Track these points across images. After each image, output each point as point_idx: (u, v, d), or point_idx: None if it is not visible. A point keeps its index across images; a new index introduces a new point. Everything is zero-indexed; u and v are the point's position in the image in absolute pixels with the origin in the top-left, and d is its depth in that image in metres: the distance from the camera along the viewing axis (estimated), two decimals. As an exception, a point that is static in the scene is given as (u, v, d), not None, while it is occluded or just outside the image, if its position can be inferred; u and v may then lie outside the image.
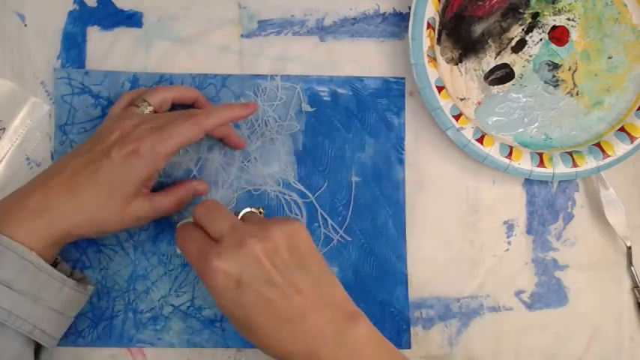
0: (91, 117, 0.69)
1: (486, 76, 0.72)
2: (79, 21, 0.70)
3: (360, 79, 0.71)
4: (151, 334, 0.68)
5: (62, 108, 0.69)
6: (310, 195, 0.70)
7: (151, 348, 0.68)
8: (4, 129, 0.69)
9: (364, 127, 0.71)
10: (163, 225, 0.69)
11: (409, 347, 0.69)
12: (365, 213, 0.70)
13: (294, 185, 0.70)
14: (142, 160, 0.58)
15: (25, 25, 0.70)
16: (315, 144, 0.71)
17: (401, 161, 0.71)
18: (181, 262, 0.69)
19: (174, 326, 0.68)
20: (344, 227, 0.70)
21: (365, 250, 0.70)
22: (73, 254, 0.68)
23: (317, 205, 0.70)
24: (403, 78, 0.72)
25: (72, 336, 0.67)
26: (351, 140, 0.71)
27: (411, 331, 0.69)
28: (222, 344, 0.68)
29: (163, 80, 0.70)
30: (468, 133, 0.68)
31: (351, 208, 0.70)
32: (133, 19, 0.71)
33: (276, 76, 0.71)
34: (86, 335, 0.68)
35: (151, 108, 0.64)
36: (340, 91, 0.71)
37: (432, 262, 0.70)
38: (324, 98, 0.71)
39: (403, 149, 0.71)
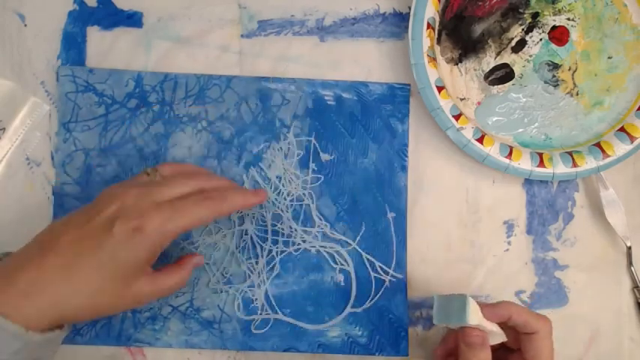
0: (94, 115, 0.70)
1: (486, 76, 0.71)
2: (79, 21, 0.70)
3: (365, 84, 0.71)
4: (149, 334, 0.68)
5: (66, 105, 0.70)
6: (351, 242, 0.70)
7: (152, 348, 0.68)
8: (4, 129, 0.69)
9: (368, 133, 0.71)
10: None
11: (407, 354, 0.69)
12: (366, 218, 0.70)
13: (331, 235, 0.70)
14: (147, 239, 0.55)
15: (25, 25, 0.70)
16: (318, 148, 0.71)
17: (404, 168, 0.71)
18: None
19: (172, 327, 0.68)
20: (357, 240, 0.70)
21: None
22: None
23: (360, 251, 0.70)
24: (408, 84, 0.71)
25: (70, 334, 0.67)
26: (355, 145, 0.71)
27: (411, 331, 0.70)
28: (220, 346, 0.68)
29: (168, 80, 0.70)
30: (468, 133, 0.68)
31: (352, 213, 0.70)
32: (133, 19, 0.71)
33: (288, 133, 0.71)
34: (84, 333, 0.68)
35: (159, 176, 0.62)
36: (345, 95, 0.71)
37: (432, 262, 0.70)
38: (329, 102, 0.71)
39: (406, 156, 0.71)
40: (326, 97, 0.71)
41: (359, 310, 0.69)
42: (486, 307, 0.59)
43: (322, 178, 0.70)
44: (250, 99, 0.71)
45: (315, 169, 0.70)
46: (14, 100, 0.69)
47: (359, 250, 0.70)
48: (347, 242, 0.70)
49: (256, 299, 0.69)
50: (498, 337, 0.61)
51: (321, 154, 0.70)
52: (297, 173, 0.70)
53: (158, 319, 0.68)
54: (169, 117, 0.70)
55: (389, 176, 0.71)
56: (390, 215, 0.70)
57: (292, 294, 0.69)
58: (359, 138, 0.71)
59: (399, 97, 0.71)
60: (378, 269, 0.69)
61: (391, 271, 0.69)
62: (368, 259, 0.69)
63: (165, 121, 0.70)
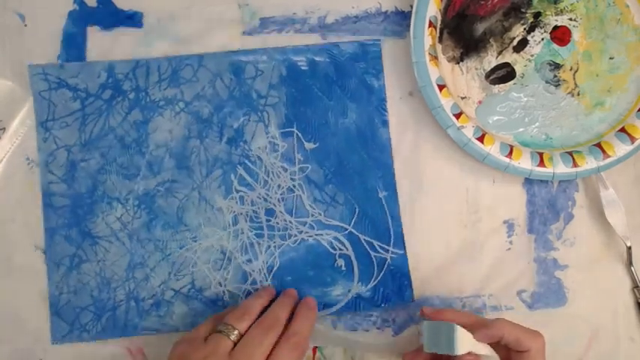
0: (71, 110, 0.70)
1: (487, 75, 0.71)
2: (79, 21, 0.70)
3: (335, 44, 0.71)
4: (155, 321, 0.69)
5: (41, 104, 0.70)
6: (346, 225, 0.70)
7: (152, 348, 0.69)
8: (4, 129, 0.69)
9: (345, 93, 0.71)
10: (156, 211, 0.69)
11: (412, 300, 0.70)
12: (355, 178, 0.70)
13: (325, 222, 0.70)
14: None
15: (25, 25, 0.70)
16: (297, 114, 0.71)
17: (385, 123, 0.71)
18: (178, 245, 0.69)
19: (177, 310, 0.69)
20: (352, 223, 0.70)
21: (359, 215, 0.70)
22: (68, 249, 0.69)
23: (356, 232, 0.70)
24: (379, 40, 0.71)
25: (76, 331, 0.68)
26: (333, 107, 0.71)
27: (414, 329, 0.70)
28: None
29: (139, 66, 0.70)
30: (469, 132, 0.68)
31: (340, 175, 0.71)
32: (133, 19, 0.70)
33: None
34: (90, 329, 0.68)
35: (236, 332, 0.61)
36: (317, 59, 0.71)
37: (433, 262, 0.71)
38: (302, 68, 0.71)
39: (386, 110, 0.71)
40: (299, 63, 0.71)
41: (365, 289, 0.69)
42: (479, 330, 0.60)
43: (309, 167, 0.70)
44: (224, 74, 0.71)
45: (302, 159, 0.70)
46: (14, 100, 0.69)
47: (355, 232, 0.70)
48: (343, 227, 0.70)
49: (253, 271, 0.70)
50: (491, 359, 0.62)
51: (305, 143, 0.70)
52: (284, 166, 0.70)
53: (162, 305, 0.69)
54: (146, 103, 0.70)
55: (371, 133, 0.71)
56: (382, 194, 0.70)
57: (294, 281, 0.70)
58: (337, 99, 0.71)
59: (371, 54, 0.71)
60: (377, 248, 0.70)
61: (391, 248, 0.70)
62: (366, 240, 0.70)
63: (142, 108, 0.70)
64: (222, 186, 0.70)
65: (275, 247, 0.70)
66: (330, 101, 0.71)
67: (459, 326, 0.58)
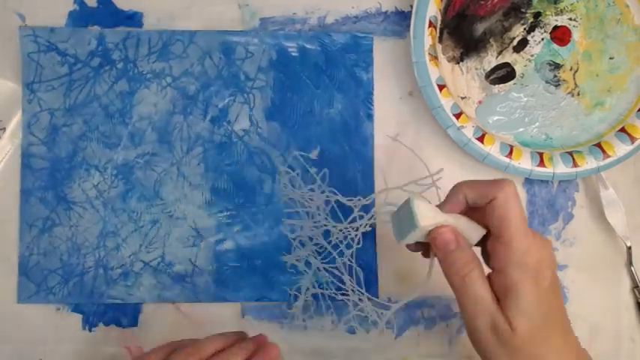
0: (58, 75, 0.70)
1: (487, 75, 0.71)
2: (79, 21, 0.70)
3: (327, 33, 0.71)
4: (122, 290, 0.69)
5: (29, 66, 0.70)
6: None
7: (151, 347, 0.68)
8: (4, 129, 0.69)
9: (333, 83, 0.71)
10: (133, 182, 0.70)
11: (377, 297, 0.69)
12: (334, 169, 0.70)
13: (367, 202, 0.67)
14: None
15: (26, 25, 0.70)
16: (283, 100, 0.71)
17: (370, 117, 0.71)
18: (151, 218, 0.69)
19: (144, 282, 0.69)
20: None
21: (334, 206, 0.69)
22: (42, 212, 0.69)
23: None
24: (371, 34, 0.72)
25: (43, 292, 0.69)
26: (320, 96, 0.71)
27: (413, 330, 0.70)
28: (192, 299, 0.69)
29: (130, 37, 0.70)
30: (469, 132, 0.68)
31: (320, 165, 0.69)
32: (133, 19, 0.70)
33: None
34: (57, 292, 0.69)
35: None
36: (308, 46, 0.71)
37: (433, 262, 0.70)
38: (293, 54, 0.71)
39: (372, 104, 0.71)
40: (289, 49, 0.71)
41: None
42: (444, 202, 0.53)
43: (327, 170, 0.67)
44: (214, 53, 0.71)
45: (316, 169, 0.68)
46: (14, 100, 0.69)
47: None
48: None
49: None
50: (474, 232, 0.53)
51: (310, 154, 0.70)
52: (310, 192, 0.67)
53: (130, 275, 0.69)
54: (133, 74, 0.70)
55: (355, 125, 0.71)
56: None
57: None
58: (324, 88, 0.71)
59: (362, 47, 0.71)
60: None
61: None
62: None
63: (129, 79, 0.70)
64: (202, 164, 0.70)
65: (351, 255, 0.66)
66: (317, 90, 0.71)
67: (416, 196, 0.50)
